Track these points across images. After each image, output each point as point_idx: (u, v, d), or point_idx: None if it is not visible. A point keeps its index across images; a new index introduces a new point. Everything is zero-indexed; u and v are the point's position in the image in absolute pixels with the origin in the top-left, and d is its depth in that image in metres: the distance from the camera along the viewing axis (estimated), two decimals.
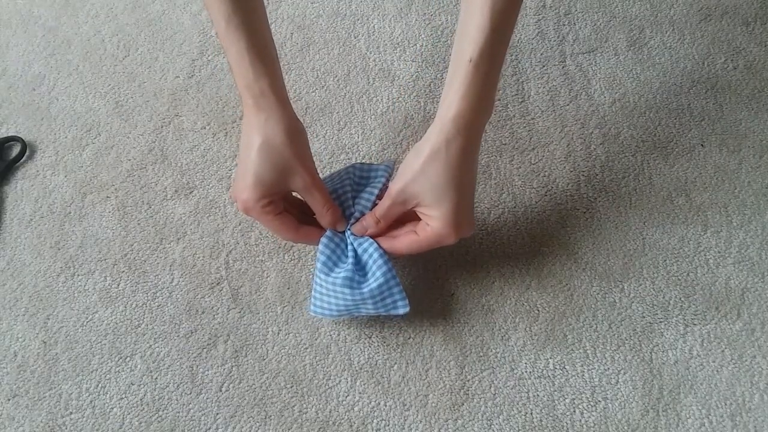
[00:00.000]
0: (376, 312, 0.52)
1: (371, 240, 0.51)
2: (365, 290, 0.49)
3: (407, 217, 0.52)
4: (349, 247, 0.52)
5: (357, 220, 0.52)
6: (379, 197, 0.53)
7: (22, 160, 0.66)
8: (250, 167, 0.48)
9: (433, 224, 0.48)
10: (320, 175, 0.52)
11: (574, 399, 0.53)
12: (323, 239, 0.52)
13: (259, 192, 0.48)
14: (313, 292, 0.53)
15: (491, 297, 0.57)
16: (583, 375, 0.54)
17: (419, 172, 0.46)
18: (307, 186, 0.49)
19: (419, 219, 0.51)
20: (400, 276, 0.58)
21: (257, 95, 0.48)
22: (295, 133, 0.49)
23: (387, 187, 0.52)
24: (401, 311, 0.51)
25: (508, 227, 0.61)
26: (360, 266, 0.51)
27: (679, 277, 0.57)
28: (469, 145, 0.47)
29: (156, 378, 0.55)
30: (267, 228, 0.52)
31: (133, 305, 0.58)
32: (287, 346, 0.56)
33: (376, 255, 0.50)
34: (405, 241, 0.50)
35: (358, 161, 0.61)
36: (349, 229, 0.52)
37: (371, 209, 0.52)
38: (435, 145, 0.46)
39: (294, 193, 0.53)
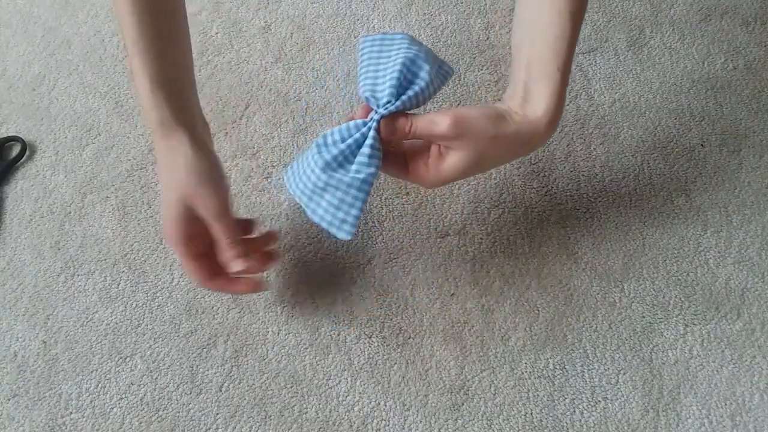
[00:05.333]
0: (321, 219, 0.46)
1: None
2: (336, 175, 0.45)
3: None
4: (362, 130, 0.46)
5: (389, 112, 0.45)
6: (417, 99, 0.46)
7: (22, 160, 0.66)
8: (164, 204, 0.49)
9: (437, 171, 0.46)
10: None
11: (574, 399, 0.53)
12: (350, 123, 0.46)
13: (174, 228, 0.49)
14: (298, 156, 0.48)
15: (491, 297, 0.57)
16: (583, 375, 0.54)
17: (493, 136, 0.44)
18: (206, 214, 0.48)
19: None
20: (398, 274, 0.58)
21: (156, 124, 0.48)
22: (193, 160, 0.48)
23: (426, 94, 0.47)
24: (341, 234, 0.46)
25: (508, 227, 0.61)
26: (351, 155, 0.46)
27: (679, 277, 0.57)
28: (539, 145, 0.48)
29: (156, 378, 0.55)
30: (183, 266, 0.51)
31: (133, 305, 0.58)
32: (287, 346, 0.56)
33: (376, 157, 0.46)
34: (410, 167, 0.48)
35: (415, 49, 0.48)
36: (379, 115, 0.46)
37: (402, 107, 0.46)
38: (521, 132, 0.45)
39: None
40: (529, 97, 0.46)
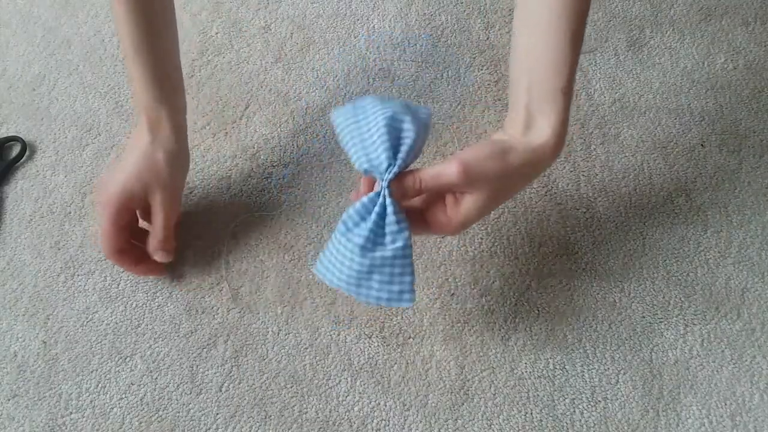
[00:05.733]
0: (378, 299, 0.46)
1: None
2: (377, 255, 0.45)
3: None
4: (379, 201, 0.45)
5: (395, 175, 0.45)
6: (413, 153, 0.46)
7: (22, 160, 0.66)
8: (123, 168, 0.54)
9: (457, 217, 0.46)
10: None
11: (574, 399, 0.53)
12: (364, 198, 0.46)
13: (119, 198, 0.53)
14: (325, 248, 0.48)
15: (491, 297, 0.57)
16: (583, 375, 0.54)
17: (503, 172, 0.45)
18: (160, 205, 0.54)
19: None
20: None
21: (153, 119, 0.54)
22: (174, 159, 0.55)
23: (419, 144, 0.46)
24: (405, 304, 0.46)
25: (508, 227, 0.61)
26: (381, 228, 0.45)
27: (679, 277, 0.57)
28: (547, 168, 0.48)
29: (156, 378, 0.55)
30: (100, 229, 0.55)
31: (133, 305, 0.58)
32: (287, 346, 0.56)
33: (403, 221, 0.45)
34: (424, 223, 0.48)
35: (394, 105, 0.48)
36: (387, 181, 0.45)
37: (403, 165, 0.46)
38: (529, 161, 0.45)
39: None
40: (532, 122, 0.46)
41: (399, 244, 0.45)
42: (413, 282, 0.46)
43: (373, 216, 0.45)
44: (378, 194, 0.45)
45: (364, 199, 0.45)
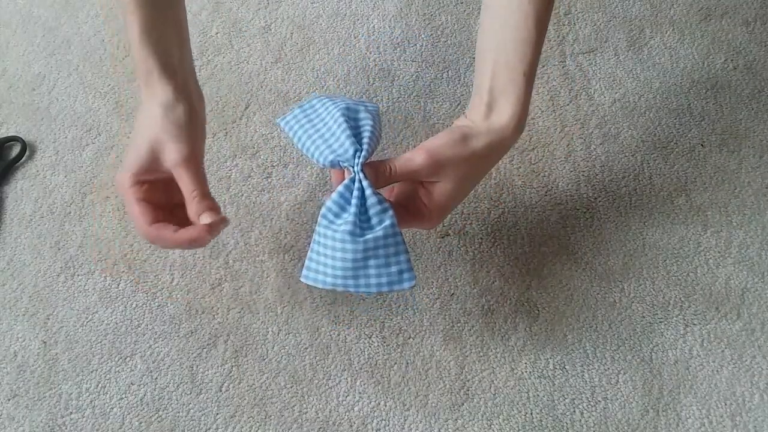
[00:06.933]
0: (378, 287, 0.45)
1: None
2: (369, 237, 0.44)
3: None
4: (356, 185, 0.45)
5: (365, 159, 0.45)
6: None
7: (22, 160, 0.66)
8: (128, 148, 0.48)
9: (432, 206, 0.47)
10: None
11: (574, 399, 0.53)
12: (339, 188, 0.45)
13: (130, 166, 0.46)
14: (309, 252, 0.46)
15: (491, 297, 0.57)
16: (583, 375, 0.54)
17: (466, 157, 0.46)
18: (175, 162, 0.46)
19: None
20: None
21: (144, 75, 0.48)
22: (171, 107, 0.47)
23: (377, 132, 0.47)
24: (407, 285, 0.45)
25: (508, 227, 0.61)
26: (365, 213, 0.45)
27: (679, 277, 0.58)
28: (509, 149, 0.49)
29: (156, 378, 0.55)
30: (128, 212, 0.48)
31: (133, 305, 0.58)
32: (287, 346, 0.56)
33: (384, 201, 0.45)
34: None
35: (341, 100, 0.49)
36: (359, 166, 0.45)
37: (370, 149, 0.46)
38: (491, 144, 0.46)
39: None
40: (494, 104, 0.47)
41: (387, 222, 0.45)
42: (409, 260, 0.46)
43: (354, 200, 0.44)
44: (352, 181, 0.45)
45: (339, 188, 0.45)
